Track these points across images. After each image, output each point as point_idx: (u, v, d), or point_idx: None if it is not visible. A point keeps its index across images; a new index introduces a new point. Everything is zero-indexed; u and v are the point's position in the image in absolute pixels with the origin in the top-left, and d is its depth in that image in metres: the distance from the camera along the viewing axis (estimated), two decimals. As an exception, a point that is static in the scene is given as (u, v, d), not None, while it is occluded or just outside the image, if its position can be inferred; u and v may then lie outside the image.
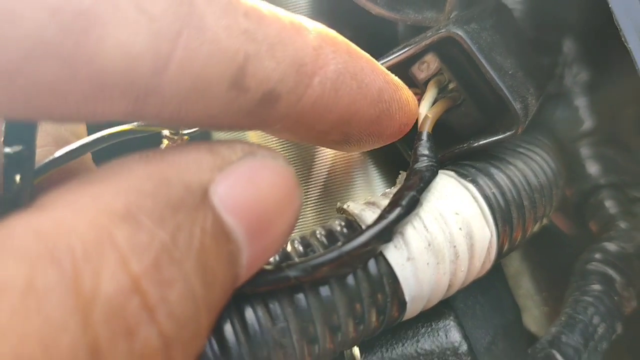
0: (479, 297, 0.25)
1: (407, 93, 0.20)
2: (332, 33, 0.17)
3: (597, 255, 0.26)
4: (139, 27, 0.12)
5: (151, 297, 0.12)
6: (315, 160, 0.27)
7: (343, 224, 0.20)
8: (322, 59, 0.16)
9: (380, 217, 0.19)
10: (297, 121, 0.17)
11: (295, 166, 0.27)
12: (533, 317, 0.33)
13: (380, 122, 0.19)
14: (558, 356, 0.21)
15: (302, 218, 0.27)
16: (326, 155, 0.27)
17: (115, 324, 0.12)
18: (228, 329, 0.17)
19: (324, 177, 0.27)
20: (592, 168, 0.32)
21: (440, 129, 0.26)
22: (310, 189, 0.27)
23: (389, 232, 0.19)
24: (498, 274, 0.27)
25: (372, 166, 0.28)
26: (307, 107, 0.16)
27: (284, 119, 0.16)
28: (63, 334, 0.11)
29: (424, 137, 0.21)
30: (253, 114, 0.15)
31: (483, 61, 0.21)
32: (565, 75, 0.37)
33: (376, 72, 0.18)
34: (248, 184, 0.15)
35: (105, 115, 0.13)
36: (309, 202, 0.27)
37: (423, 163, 0.21)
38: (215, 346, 0.17)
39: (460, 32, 0.21)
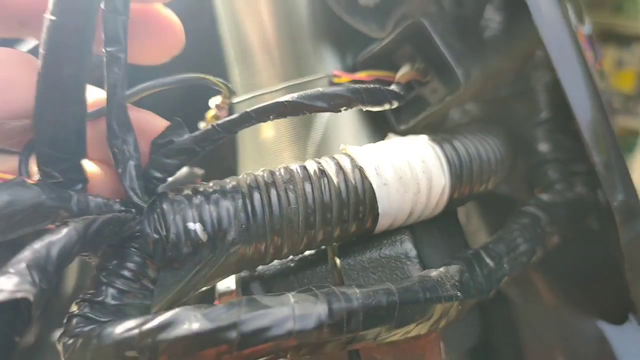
0: (434, 230, 0.31)
1: None
2: None
3: (531, 202, 0.33)
4: None
5: None
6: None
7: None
8: None
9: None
10: None
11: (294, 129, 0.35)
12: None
13: None
14: (483, 254, 0.28)
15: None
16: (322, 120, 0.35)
17: None
18: (257, 197, 0.25)
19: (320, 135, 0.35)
20: (543, 147, 0.40)
21: (418, 101, 0.34)
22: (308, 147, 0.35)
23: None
24: (455, 225, 0.33)
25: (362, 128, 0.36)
26: None
27: None
28: None
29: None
30: None
31: (437, 39, 0.30)
32: (532, 77, 0.45)
33: None
34: None
35: None
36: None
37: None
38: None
39: (423, 20, 0.30)
